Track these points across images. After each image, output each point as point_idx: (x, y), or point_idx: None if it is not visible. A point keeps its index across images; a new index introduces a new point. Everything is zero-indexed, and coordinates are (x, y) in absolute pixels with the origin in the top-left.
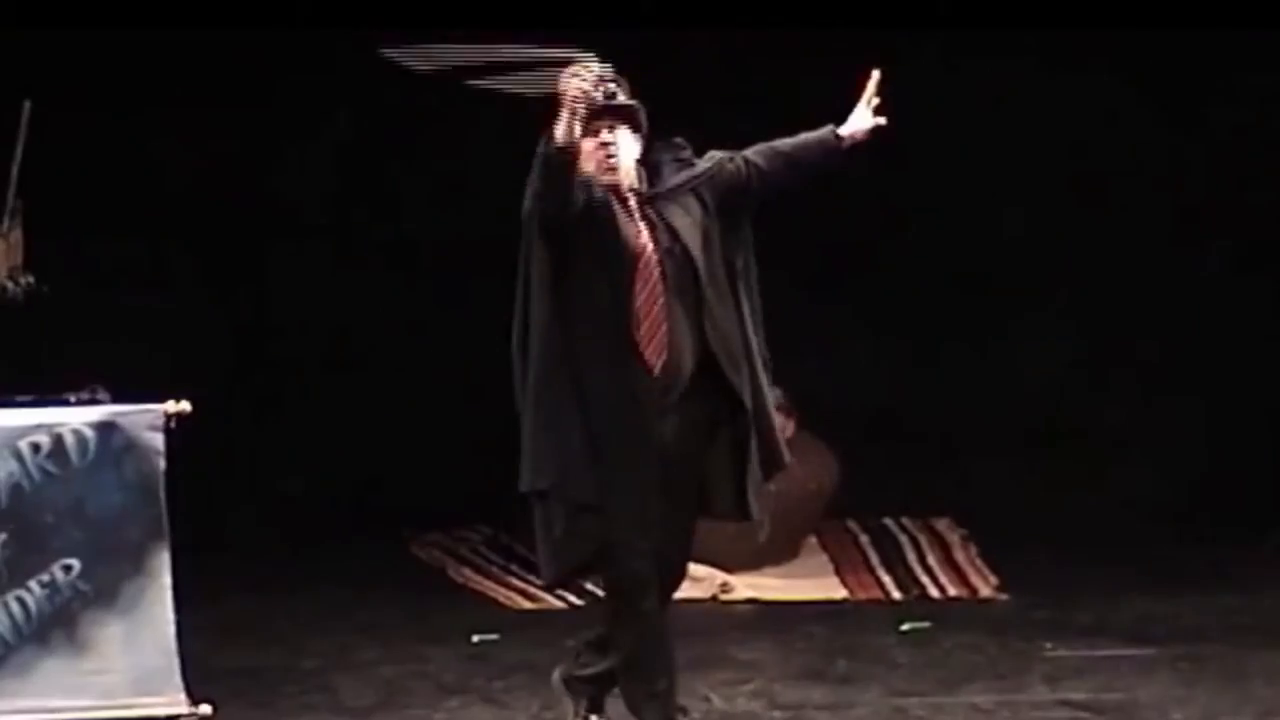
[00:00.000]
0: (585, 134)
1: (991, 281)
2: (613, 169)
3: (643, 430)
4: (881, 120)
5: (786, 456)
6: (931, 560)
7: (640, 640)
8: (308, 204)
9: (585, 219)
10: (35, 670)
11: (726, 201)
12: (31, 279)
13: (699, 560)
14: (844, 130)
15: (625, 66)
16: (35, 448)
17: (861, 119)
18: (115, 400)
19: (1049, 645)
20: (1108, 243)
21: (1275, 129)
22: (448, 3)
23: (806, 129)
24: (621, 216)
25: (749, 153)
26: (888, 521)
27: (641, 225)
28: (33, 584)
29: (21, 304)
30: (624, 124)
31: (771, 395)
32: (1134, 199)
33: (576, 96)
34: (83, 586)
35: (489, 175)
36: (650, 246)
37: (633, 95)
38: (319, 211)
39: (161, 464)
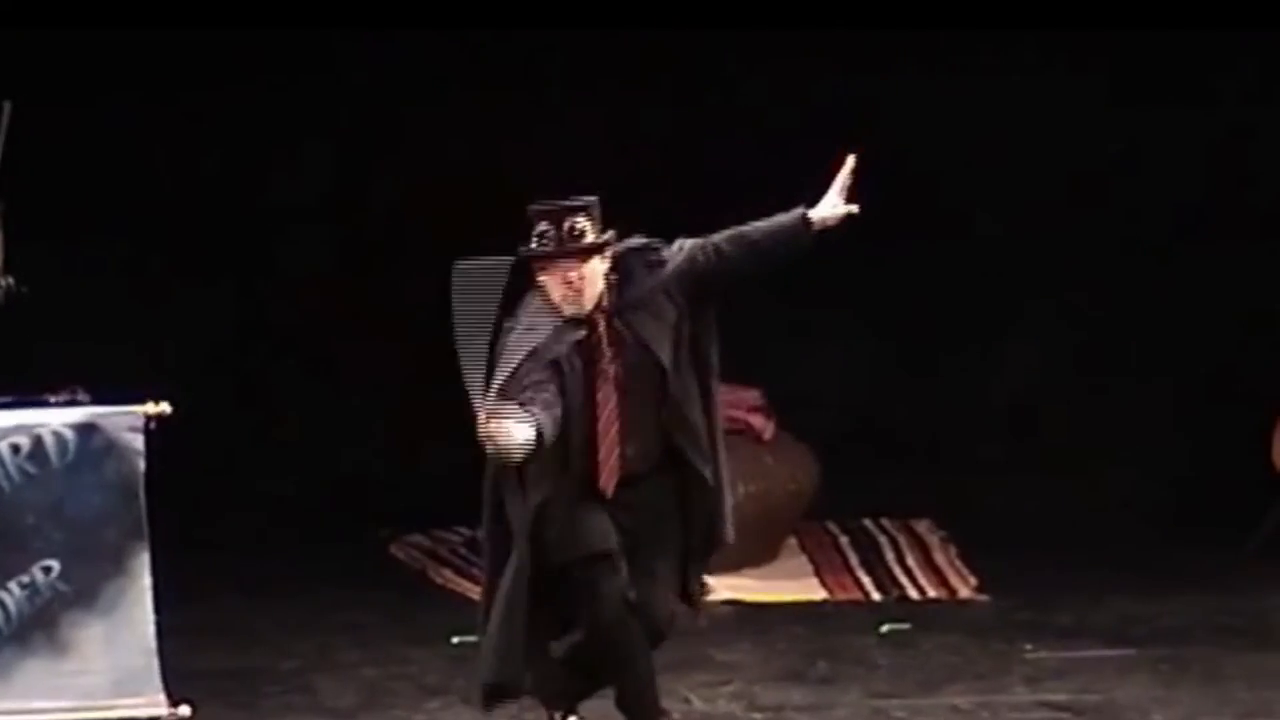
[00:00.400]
0: (548, 271)
1: (974, 284)
2: (578, 302)
3: (600, 533)
4: (854, 208)
5: (729, 536)
6: (911, 561)
7: (632, 672)
8: (297, 205)
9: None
10: (15, 671)
11: (697, 293)
12: (11, 280)
13: None
14: (814, 215)
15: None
16: (15, 449)
17: (833, 205)
18: (95, 401)
19: (1029, 646)
20: (1091, 246)
21: (1266, 129)
22: (451, 2)
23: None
24: (579, 352)
25: (719, 240)
26: (867, 522)
27: (606, 348)
28: (12, 585)
29: (5, 307)
30: (592, 256)
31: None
32: (1123, 202)
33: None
34: (62, 588)
35: (482, 176)
36: (610, 370)
37: (602, 219)
38: (308, 213)
39: (141, 465)
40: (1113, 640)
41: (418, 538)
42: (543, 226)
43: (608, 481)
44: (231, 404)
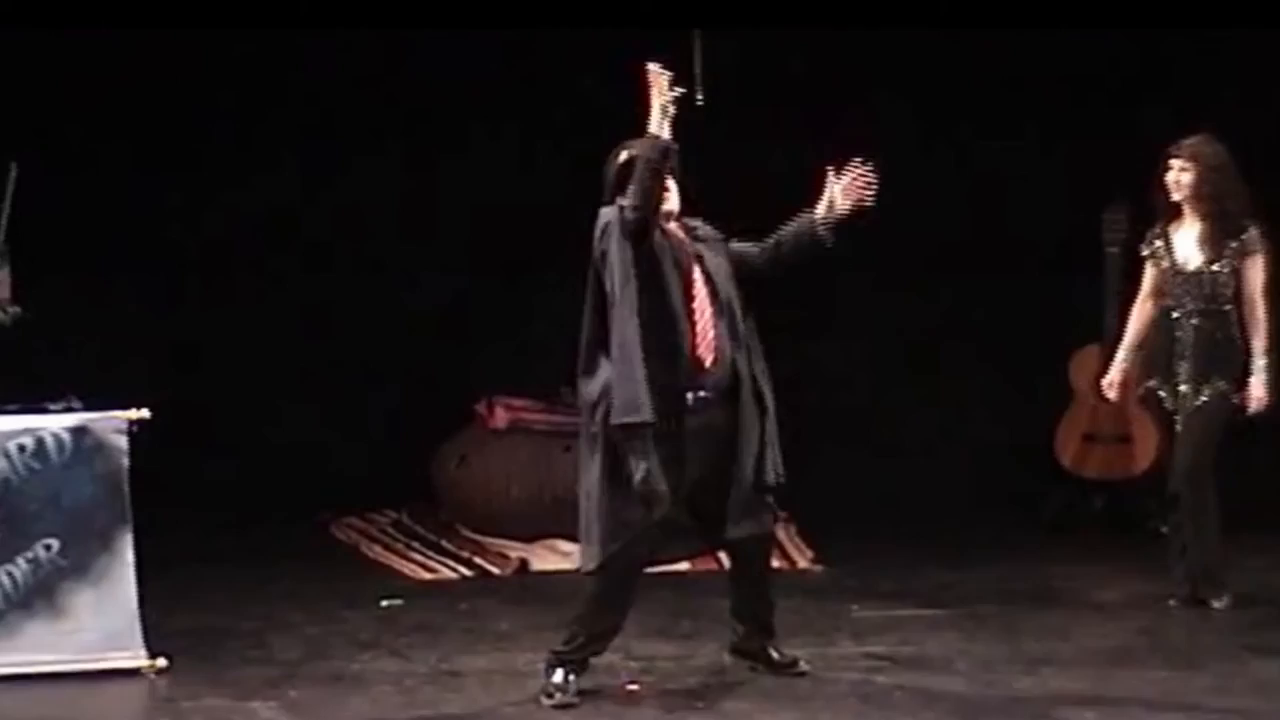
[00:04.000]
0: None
1: (808, 282)
2: (669, 202)
3: (683, 421)
4: (848, 206)
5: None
6: None
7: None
8: (239, 206)
9: (655, 238)
10: (22, 632)
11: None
12: (18, 308)
13: (567, 537)
14: (820, 220)
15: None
16: (21, 448)
17: (834, 205)
18: (86, 408)
19: (855, 608)
20: (916, 246)
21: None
22: (448, 1)
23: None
24: (674, 241)
25: (751, 246)
26: None
27: (688, 252)
28: (20, 560)
29: (9, 328)
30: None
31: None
32: (945, 200)
33: (665, 96)
34: (61, 562)
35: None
36: (698, 268)
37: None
38: (248, 213)
39: (125, 461)
40: (926, 602)
41: (352, 519)
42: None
43: (705, 355)
44: (196, 411)
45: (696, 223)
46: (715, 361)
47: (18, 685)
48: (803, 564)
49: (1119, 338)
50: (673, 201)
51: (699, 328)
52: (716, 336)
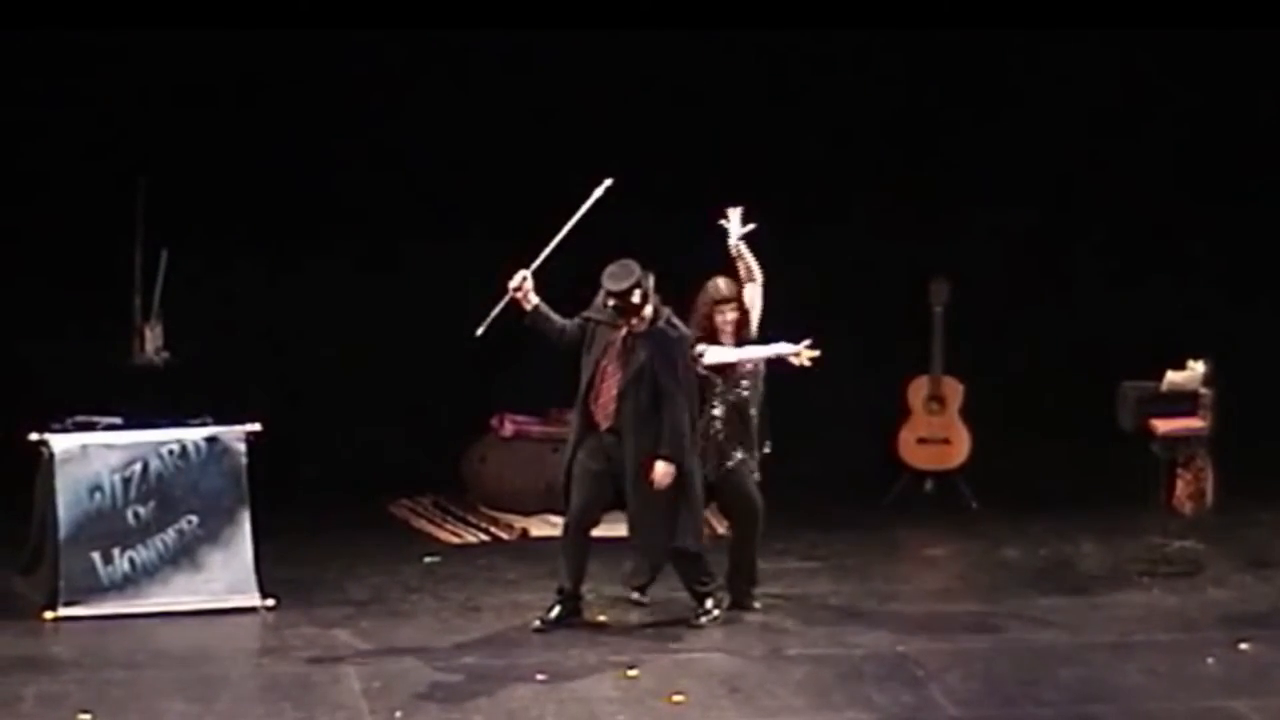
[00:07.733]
0: (621, 315)
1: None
2: (639, 328)
3: (589, 451)
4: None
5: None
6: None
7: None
8: (318, 206)
9: (589, 339)
10: (172, 581)
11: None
12: (169, 354)
13: (556, 513)
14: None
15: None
16: (171, 451)
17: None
18: (217, 423)
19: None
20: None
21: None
22: (453, 1)
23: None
24: (614, 340)
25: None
26: None
27: (620, 346)
28: (170, 530)
29: (163, 370)
30: (644, 308)
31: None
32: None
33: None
34: (199, 532)
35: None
36: (618, 358)
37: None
38: (325, 216)
39: (244, 460)
40: (806, 557)
41: (404, 500)
42: (613, 303)
43: (600, 417)
44: (292, 424)
45: (664, 327)
46: (611, 424)
47: (169, 619)
48: (721, 531)
49: (945, 371)
50: (644, 324)
51: (600, 399)
52: (616, 402)
